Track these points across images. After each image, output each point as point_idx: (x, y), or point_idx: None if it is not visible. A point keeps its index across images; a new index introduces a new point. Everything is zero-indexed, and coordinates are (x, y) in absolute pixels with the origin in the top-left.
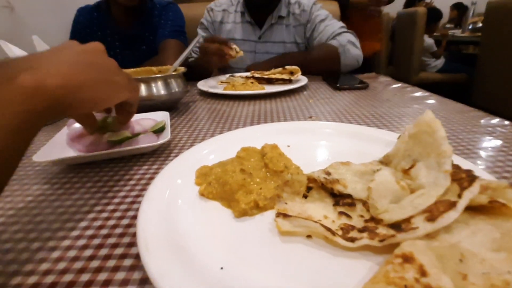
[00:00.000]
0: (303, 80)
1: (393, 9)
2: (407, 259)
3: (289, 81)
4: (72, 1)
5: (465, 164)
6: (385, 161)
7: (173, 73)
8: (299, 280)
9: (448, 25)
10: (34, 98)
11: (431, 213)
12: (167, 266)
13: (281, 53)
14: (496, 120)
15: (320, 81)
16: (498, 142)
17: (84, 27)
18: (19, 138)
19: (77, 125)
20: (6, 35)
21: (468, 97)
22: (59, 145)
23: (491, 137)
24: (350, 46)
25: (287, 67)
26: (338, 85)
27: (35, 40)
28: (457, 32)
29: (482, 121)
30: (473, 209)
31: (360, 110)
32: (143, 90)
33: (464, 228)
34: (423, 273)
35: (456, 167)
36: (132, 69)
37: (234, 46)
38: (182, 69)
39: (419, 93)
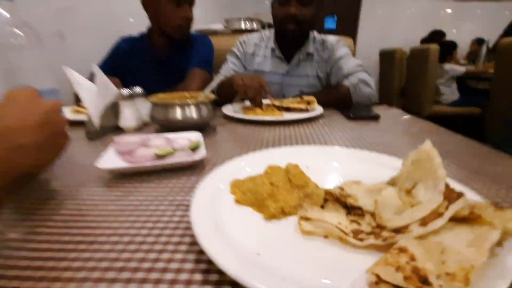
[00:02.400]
0: (319, 110)
1: (407, 45)
2: (402, 250)
3: (306, 111)
4: (119, 30)
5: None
6: (391, 183)
7: (205, 100)
8: (319, 267)
9: (462, 61)
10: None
11: (424, 221)
12: (221, 249)
13: (304, 85)
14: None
15: (334, 110)
16: None
17: (123, 53)
18: None
19: (124, 140)
20: (58, 61)
21: (481, 132)
22: (110, 156)
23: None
24: (362, 86)
25: (304, 97)
26: (351, 115)
27: (94, 68)
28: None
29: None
30: (458, 220)
31: (371, 138)
32: (178, 113)
33: (449, 232)
34: (413, 259)
35: (451, 190)
36: (167, 94)
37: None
38: (212, 96)
39: (428, 126)
